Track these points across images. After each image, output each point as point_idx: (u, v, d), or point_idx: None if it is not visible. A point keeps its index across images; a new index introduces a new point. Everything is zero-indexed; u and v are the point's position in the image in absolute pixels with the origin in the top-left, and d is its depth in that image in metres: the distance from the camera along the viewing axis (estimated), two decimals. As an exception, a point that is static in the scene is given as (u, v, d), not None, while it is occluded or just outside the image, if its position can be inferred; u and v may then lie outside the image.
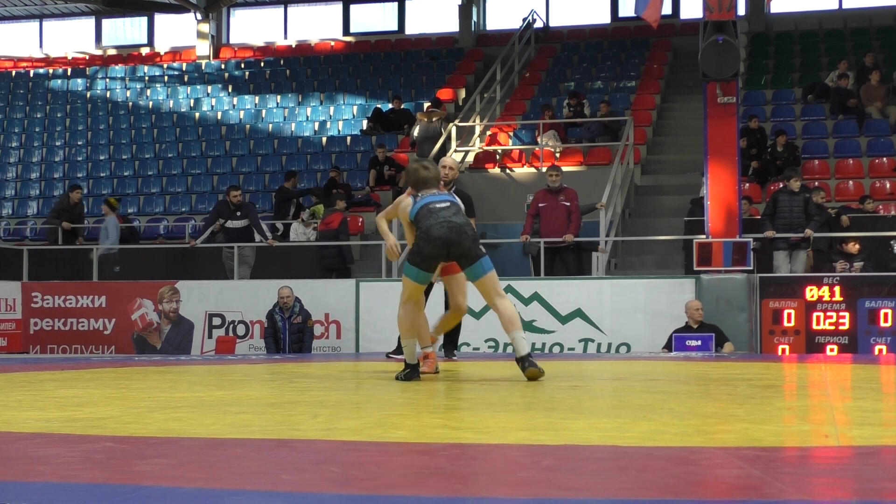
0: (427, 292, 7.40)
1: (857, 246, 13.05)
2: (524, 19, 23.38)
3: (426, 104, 21.54)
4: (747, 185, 16.27)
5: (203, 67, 25.71)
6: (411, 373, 6.72)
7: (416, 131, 18.68)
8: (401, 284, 6.94)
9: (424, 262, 6.65)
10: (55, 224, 16.87)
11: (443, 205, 6.76)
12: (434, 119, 18.76)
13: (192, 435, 3.98)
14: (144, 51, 27.80)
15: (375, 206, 18.40)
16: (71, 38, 28.71)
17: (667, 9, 20.70)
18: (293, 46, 26.77)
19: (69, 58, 27.89)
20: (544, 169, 17.50)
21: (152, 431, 4.09)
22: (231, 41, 27.48)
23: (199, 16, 26.21)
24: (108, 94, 24.79)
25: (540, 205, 13.75)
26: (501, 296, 6.75)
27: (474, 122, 19.65)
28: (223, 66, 25.73)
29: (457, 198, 7.06)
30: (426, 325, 7.24)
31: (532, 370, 6.47)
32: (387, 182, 18.49)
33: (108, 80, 25.62)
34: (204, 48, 26.42)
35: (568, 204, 13.64)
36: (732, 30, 12.41)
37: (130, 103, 24.04)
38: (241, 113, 22.73)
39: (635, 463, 3.22)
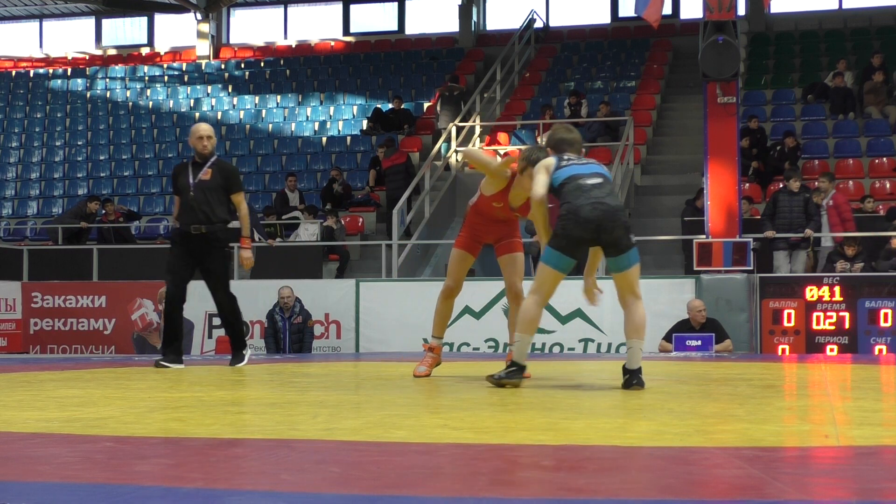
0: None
1: (852, 249, 13.02)
2: (524, 19, 23.38)
3: (426, 104, 21.56)
4: (747, 185, 16.27)
5: (203, 67, 25.70)
6: (517, 371, 5.96)
7: (438, 105, 19.66)
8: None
9: (570, 246, 5.88)
10: (72, 223, 16.99)
11: (594, 181, 5.90)
12: (455, 92, 19.63)
13: (192, 435, 3.97)
14: (144, 51, 27.80)
15: (375, 206, 18.39)
16: (71, 38, 28.70)
17: (667, 9, 20.67)
18: (293, 46, 26.76)
19: (69, 58, 27.88)
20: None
21: (152, 431, 4.09)
22: (231, 41, 27.47)
23: (199, 16, 26.19)
24: (108, 94, 24.78)
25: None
26: (637, 296, 5.98)
27: (474, 122, 19.64)
28: (223, 66, 25.72)
29: (602, 168, 6.10)
30: (448, 316, 7.01)
31: (636, 387, 5.81)
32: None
33: (108, 80, 25.61)
34: (204, 48, 26.41)
35: None
36: (732, 30, 12.42)
37: (130, 103, 24.04)
38: (241, 113, 22.72)
39: (635, 463, 3.22)
